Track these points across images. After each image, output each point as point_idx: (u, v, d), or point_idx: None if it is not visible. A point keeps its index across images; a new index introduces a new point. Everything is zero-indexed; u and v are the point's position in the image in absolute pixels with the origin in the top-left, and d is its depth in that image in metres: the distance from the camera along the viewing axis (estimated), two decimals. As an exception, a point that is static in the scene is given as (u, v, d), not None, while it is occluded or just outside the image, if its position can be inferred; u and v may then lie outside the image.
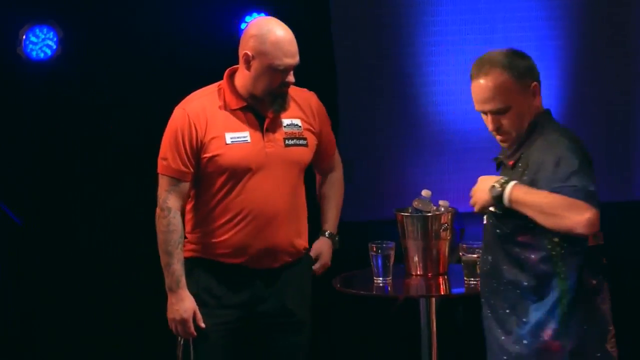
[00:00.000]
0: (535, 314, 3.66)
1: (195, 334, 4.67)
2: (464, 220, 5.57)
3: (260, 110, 4.64)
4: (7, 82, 7.37)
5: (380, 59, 8.45)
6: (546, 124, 3.74)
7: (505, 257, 3.70)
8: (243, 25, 7.39)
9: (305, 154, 4.73)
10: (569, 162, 3.58)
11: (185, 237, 4.76)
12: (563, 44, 8.85)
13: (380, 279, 4.96)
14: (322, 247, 4.92)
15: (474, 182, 3.89)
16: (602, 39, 8.94)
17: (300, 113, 4.76)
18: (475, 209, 3.73)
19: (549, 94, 8.67)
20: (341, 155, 8.01)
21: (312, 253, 4.88)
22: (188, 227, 4.76)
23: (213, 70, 6.07)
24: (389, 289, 4.88)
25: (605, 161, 8.87)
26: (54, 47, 7.38)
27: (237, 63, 4.72)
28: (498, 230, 3.69)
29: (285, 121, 4.70)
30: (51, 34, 7.37)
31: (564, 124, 4.00)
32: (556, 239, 3.59)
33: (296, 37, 6.26)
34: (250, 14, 7.48)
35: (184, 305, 4.63)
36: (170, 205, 4.65)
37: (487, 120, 3.72)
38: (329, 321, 7.49)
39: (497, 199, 3.60)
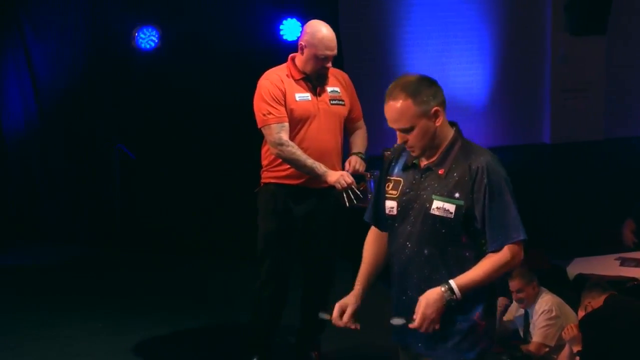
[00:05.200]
0: (466, 299, 3.21)
1: (350, 181, 4.69)
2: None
3: (313, 81, 4.90)
4: (126, 64, 7.80)
5: (374, 45, 8.69)
6: (464, 139, 3.33)
7: (445, 253, 3.25)
8: (281, 27, 7.67)
9: (343, 110, 4.97)
10: (506, 196, 3.22)
11: (262, 167, 4.98)
12: (490, 27, 9.00)
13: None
14: (351, 158, 4.95)
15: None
16: (518, 20, 9.09)
17: (338, 84, 4.99)
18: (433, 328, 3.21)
19: (484, 66, 9.06)
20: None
21: (346, 163, 4.93)
22: (265, 162, 4.96)
23: (257, 59, 6.83)
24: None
25: (521, 112, 9.22)
26: (156, 41, 7.66)
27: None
28: (444, 230, 3.25)
29: (329, 88, 4.93)
30: (154, 32, 7.66)
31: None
32: (483, 240, 3.28)
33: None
34: (285, 18, 7.71)
35: (337, 172, 4.77)
36: (285, 139, 4.75)
37: (398, 135, 3.30)
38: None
39: (451, 299, 3.19)
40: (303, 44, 4.82)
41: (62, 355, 5.67)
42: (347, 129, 5.09)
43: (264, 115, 4.80)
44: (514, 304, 5.66)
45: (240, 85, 6.19)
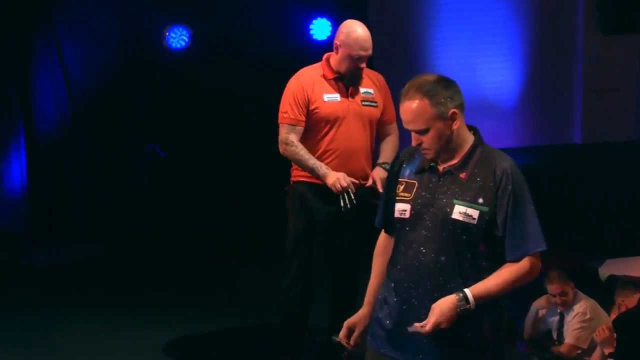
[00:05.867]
0: (476, 310, 3.10)
1: (346, 184, 4.68)
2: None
3: (346, 81, 4.88)
4: (157, 63, 7.84)
5: (403, 45, 8.76)
6: (485, 144, 3.23)
7: (463, 261, 3.12)
8: (311, 26, 7.69)
9: (375, 112, 4.93)
10: (528, 205, 3.13)
11: (292, 166, 4.99)
12: (521, 26, 8.99)
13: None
14: (375, 172, 4.91)
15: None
16: (549, 18, 9.10)
17: (372, 86, 4.95)
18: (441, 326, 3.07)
19: (514, 65, 9.07)
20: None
21: (370, 178, 4.92)
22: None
23: (286, 59, 6.92)
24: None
25: (551, 111, 9.21)
26: (186, 40, 7.71)
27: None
28: (465, 237, 3.12)
29: (362, 89, 4.90)
30: (184, 32, 7.70)
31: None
32: (501, 250, 3.16)
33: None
34: (315, 18, 7.72)
35: (335, 174, 4.75)
36: (292, 139, 4.82)
37: (412, 136, 3.21)
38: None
39: (465, 309, 3.08)
40: (338, 43, 4.80)
41: (89, 352, 5.71)
42: (379, 133, 5.05)
43: (282, 112, 4.87)
44: (542, 304, 5.62)
45: (270, 85, 6.13)
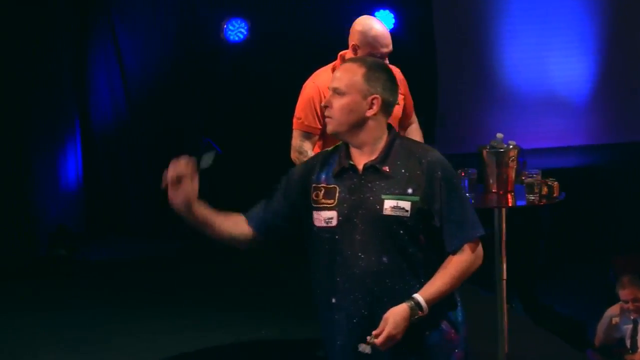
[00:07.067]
0: (431, 310, 2.97)
1: None
2: (525, 154, 5.33)
3: None
4: (215, 56, 7.91)
5: (470, 40, 8.72)
6: (403, 137, 3.24)
7: (407, 257, 3.00)
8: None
9: (398, 110, 4.75)
10: (461, 191, 3.09)
11: None
12: (594, 19, 8.91)
13: (467, 194, 4.73)
14: None
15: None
16: (623, 10, 8.96)
17: None
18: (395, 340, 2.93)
19: (587, 59, 8.96)
20: (437, 108, 8.37)
21: None
22: None
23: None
24: (472, 201, 4.25)
25: (625, 108, 9.07)
26: (245, 33, 7.79)
27: None
28: (402, 231, 2.99)
29: None
30: (243, 24, 7.79)
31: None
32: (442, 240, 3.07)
33: (408, 28, 6.45)
34: (377, 10, 7.65)
35: None
36: (306, 148, 4.65)
37: (328, 97, 3.11)
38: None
39: (418, 316, 2.95)
40: (356, 44, 4.58)
41: (147, 350, 5.68)
42: (400, 125, 4.88)
43: (297, 118, 4.70)
44: (616, 312, 5.53)
45: (330, 79, 6.20)
